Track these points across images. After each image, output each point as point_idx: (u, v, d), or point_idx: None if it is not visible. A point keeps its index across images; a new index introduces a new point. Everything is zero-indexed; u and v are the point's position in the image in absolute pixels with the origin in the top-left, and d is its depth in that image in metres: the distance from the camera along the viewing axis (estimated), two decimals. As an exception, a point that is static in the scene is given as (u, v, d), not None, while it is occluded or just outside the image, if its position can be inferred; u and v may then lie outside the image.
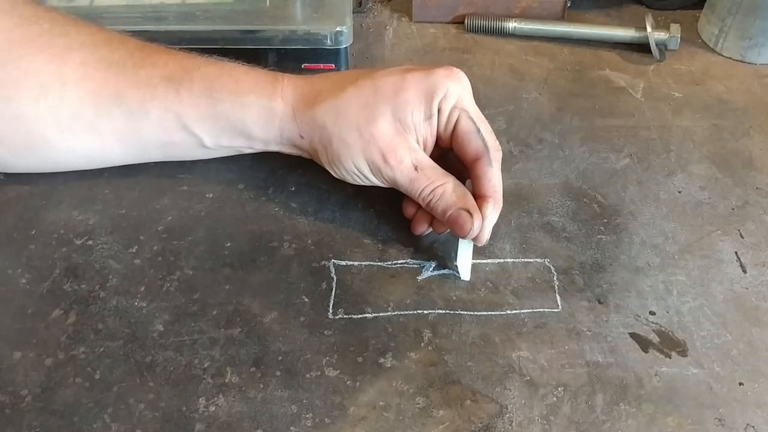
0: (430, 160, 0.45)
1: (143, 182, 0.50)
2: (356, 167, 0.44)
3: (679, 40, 0.62)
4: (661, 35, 0.62)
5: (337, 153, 0.44)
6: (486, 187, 0.44)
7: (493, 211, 0.44)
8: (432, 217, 0.46)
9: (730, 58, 0.63)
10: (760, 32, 0.61)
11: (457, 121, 0.44)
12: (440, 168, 0.45)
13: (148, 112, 0.45)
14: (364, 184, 0.46)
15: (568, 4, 0.66)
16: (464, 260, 0.45)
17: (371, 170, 0.44)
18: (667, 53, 0.63)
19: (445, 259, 0.46)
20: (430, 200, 0.44)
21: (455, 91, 0.44)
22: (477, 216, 0.43)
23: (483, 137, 0.44)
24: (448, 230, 0.46)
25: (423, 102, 0.43)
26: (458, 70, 0.44)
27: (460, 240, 0.45)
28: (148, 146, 0.48)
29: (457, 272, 0.45)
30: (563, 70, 0.62)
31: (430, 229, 0.47)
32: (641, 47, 0.63)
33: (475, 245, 0.45)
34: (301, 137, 0.45)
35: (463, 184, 0.45)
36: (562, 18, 0.66)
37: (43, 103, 0.44)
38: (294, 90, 0.45)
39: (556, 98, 0.59)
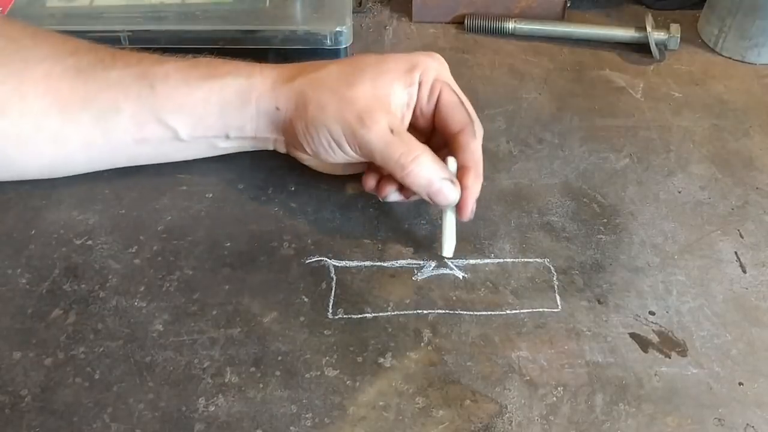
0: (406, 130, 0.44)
1: (143, 182, 0.50)
2: (330, 133, 0.43)
3: (678, 40, 0.62)
4: (661, 35, 0.62)
5: (312, 118, 0.43)
6: (468, 159, 0.44)
7: (474, 183, 0.44)
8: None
9: (730, 58, 0.63)
10: (760, 32, 0.61)
11: (440, 93, 0.45)
12: (415, 138, 0.44)
13: (121, 110, 0.45)
14: (336, 160, 0.45)
15: (568, 4, 0.66)
16: (448, 235, 0.45)
17: (345, 136, 0.43)
18: (667, 53, 0.63)
19: (444, 258, 0.46)
20: (411, 169, 0.42)
21: (434, 66, 0.45)
22: (458, 184, 0.44)
23: (467, 109, 0.45)
24: (416, 196, 0.45)
25: (404, 72, 0.44)
26: (436, 53, 0.46)
27: (445, 215, 0.45)
28: (116, 148, 0.47)
29: (441, 250, 0.46)
30: (563, 70, 0.62)
31: (398, 196, 0.46)
32: (641, 47, 0.63)
33: (459, 222, 0.45)
34: (277, 109, 0.45)
35: None
36: (561, 18, 0.66)
37: (2, 122, 0.44)
38: (273, 69, 0.46)
39: (556, 98, 0.59)
